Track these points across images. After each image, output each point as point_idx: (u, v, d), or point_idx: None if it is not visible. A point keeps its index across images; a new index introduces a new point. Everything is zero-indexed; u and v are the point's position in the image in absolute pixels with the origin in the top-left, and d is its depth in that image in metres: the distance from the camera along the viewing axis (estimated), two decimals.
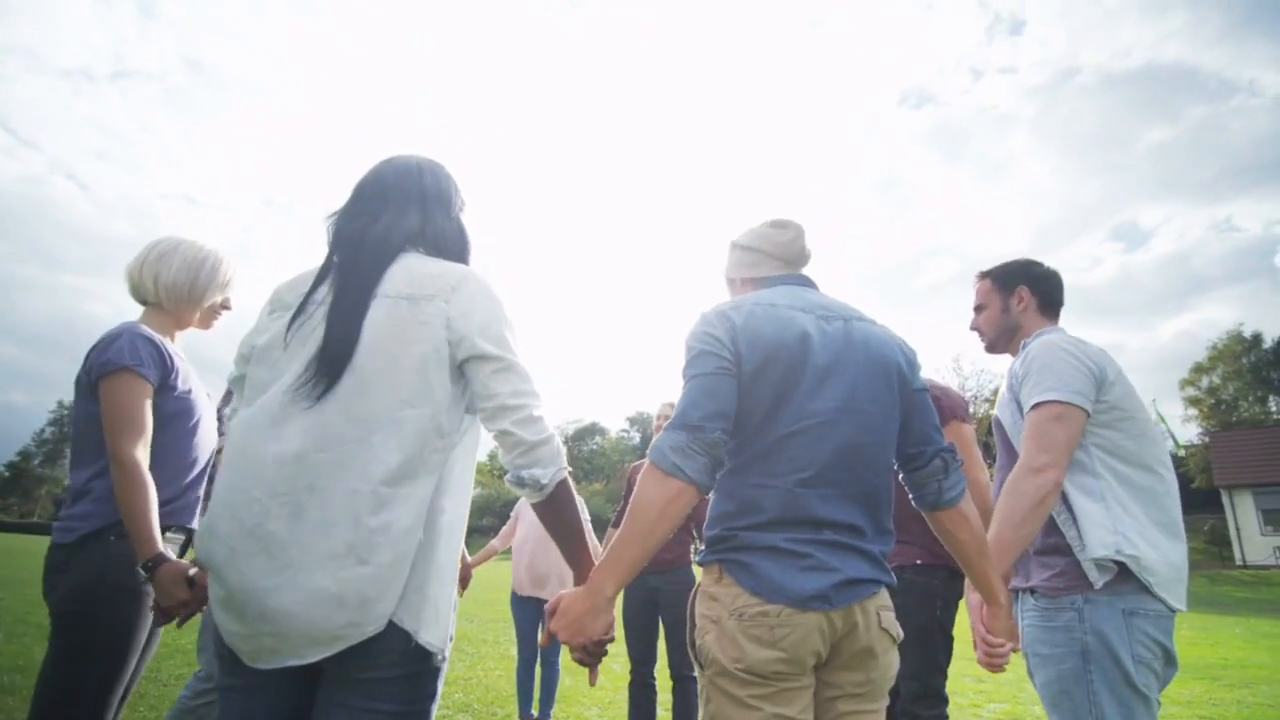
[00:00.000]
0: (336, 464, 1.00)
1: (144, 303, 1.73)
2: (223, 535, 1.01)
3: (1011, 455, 1.61)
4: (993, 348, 1.84)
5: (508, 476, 1.10)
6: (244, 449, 1.04)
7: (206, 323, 1.81)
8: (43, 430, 54.57)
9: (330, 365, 1.04)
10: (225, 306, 1.83)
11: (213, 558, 1.02)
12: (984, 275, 1.87)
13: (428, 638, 1.02)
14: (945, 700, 2.25)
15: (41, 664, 1.48)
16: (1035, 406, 1.52)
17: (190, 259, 1.73)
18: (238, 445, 1.05)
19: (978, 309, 1.86)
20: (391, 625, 0.99)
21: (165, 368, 1.62)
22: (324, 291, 1.13)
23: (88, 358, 1.58)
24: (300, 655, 0.98)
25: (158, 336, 1.65)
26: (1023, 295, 1.79)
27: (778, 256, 1.43)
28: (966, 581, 1.46)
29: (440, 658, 1.05)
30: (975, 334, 1.87)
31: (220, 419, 1.35)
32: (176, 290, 1.71)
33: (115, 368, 1.52)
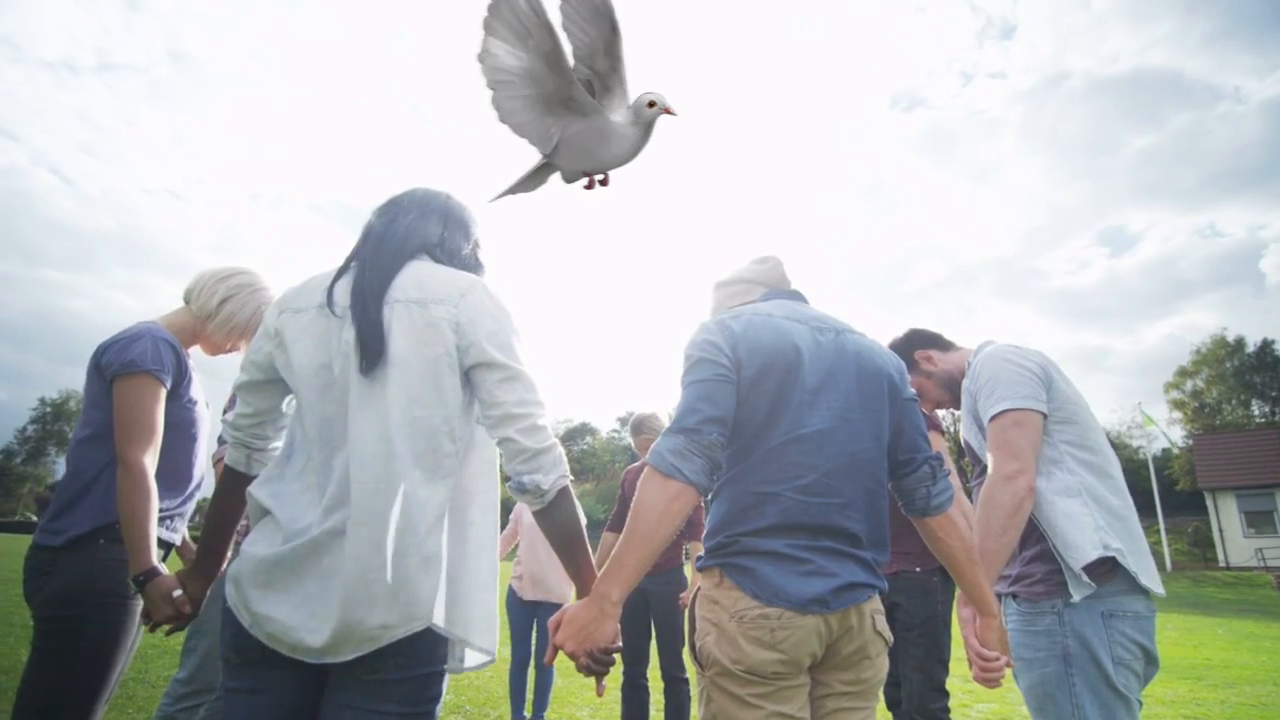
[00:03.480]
0: (356, 465, 1.02)
1: (186, 303, 1.74)
2: (265, 534, 1.05)
3: (986, 471, 1.63)
4: (955, 402, 1.89)
5: (510, 483, 1.11)
6: (309, 448, 1.08)
7: (211, 352, 1.82)
8: (24, 428, 53.56)
9: (366, 351, 1.06)
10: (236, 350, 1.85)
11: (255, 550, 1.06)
12: None
13: (482, 643, 1.08)
14: (947, 694, 2.33)
15: (25, 667, 1.45)
16: (993, 419, 1.56)
17: (253, 306, 1.76)
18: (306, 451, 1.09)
19: (922, 398, 1.93)
20: (423, 630, 1.01)
21: (180, 374, 1.62)
22: (344, 286, 1.14)
23: (103, 353, 1.55)
24: (337, 654, 0.99)
25: (177, 341, 1.64)
26: (925, 357, 1.92)
27: (762, 282, 1.49)
28: (958, 595, 1.45)
29: (459, 663, 1.09)
30: (944, 410, 1.99)
31: (224, 423, 1.35)
32: (221, 322, 1.73)
33: (137, 370, 1.51)
